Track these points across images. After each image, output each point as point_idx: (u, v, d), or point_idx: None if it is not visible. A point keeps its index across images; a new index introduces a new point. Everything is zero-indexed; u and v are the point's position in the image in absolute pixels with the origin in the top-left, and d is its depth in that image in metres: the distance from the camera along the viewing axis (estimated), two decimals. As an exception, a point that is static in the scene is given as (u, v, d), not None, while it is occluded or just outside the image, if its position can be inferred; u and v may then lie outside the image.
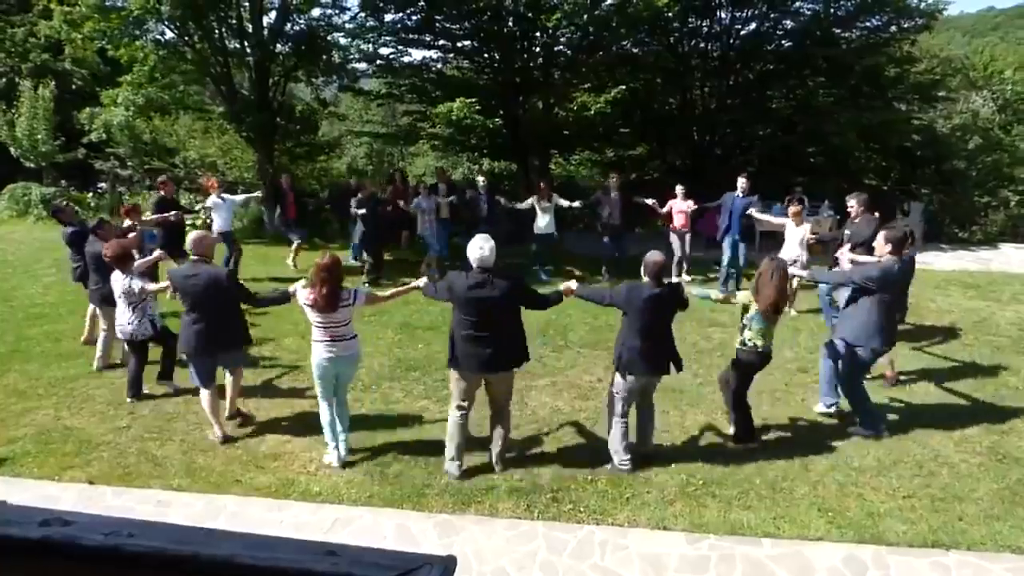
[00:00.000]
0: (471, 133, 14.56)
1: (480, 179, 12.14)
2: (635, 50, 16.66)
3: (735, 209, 10.07)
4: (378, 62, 15.87)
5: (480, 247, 4.88)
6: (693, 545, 4.42)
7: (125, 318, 6.33)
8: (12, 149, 19.18)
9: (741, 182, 10.11)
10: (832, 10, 15.76)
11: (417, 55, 17.27)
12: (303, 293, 5.22)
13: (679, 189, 11.19)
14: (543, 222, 11.45)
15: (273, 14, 14.76)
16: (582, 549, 4.39)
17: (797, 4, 16.01)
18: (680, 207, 11.08)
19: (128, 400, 6.46)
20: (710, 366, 7.43)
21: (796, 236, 8.87)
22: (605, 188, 11.68)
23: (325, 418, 5.43)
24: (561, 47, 14.90)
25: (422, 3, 13.94)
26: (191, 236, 5.97)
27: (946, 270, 12.03)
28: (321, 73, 15.82)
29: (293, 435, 5.92)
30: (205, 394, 5.80)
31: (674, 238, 11.20)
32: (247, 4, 14.11)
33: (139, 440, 5.82)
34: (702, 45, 17.16)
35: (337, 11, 15.10)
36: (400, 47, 16.01)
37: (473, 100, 12.64)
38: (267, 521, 4.70)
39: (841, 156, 16.30)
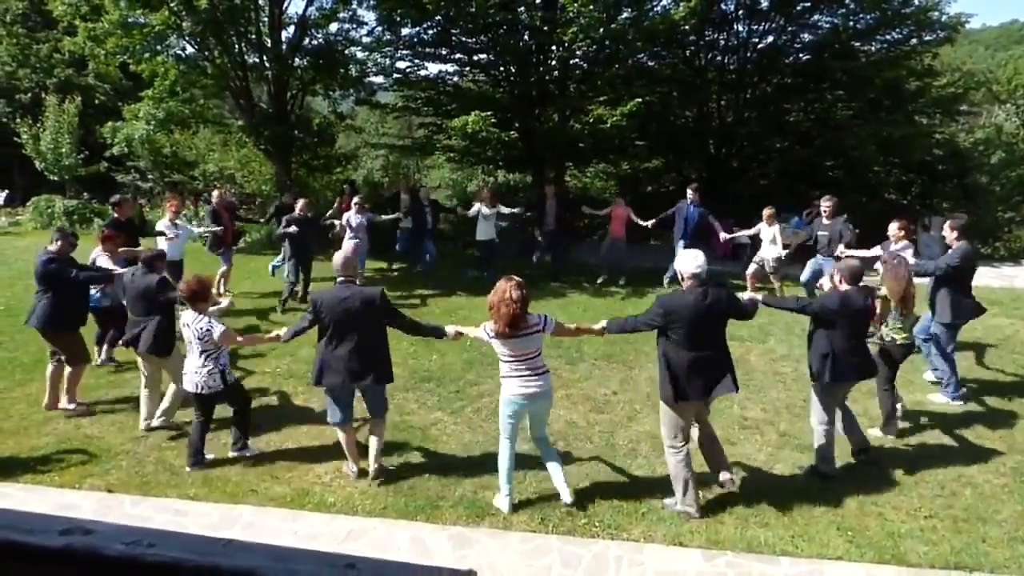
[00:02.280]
0: (487, 145, 14.62)
1: (422, 189, 12.11)
2: (651, 63, 16.71)
3: (689, 217, 10.95)
4: (395, 75, 16.02)
5: (695, 258, 4.76)
6: (710, 562, 4.36)
7: (194, 365, 5.43)
8: (37, 162, 19.53)
9: (690, 193, 11.10)
10: (851, 23, 15.70)
11: (433, 68, 17.46)
12: (488, 325, 4.73)
13: (619, 198, 11.96)
14: (484, 228, 11.44)
15: (291, 29, 14.97)
16: (597, 564, 4.35)
17: (815, 17, 15.99)
18: (619, 214, 11.59)
19: (188, 471, 5.50)
20: (727, 380, 7.37)
21: (769, 236, 10.09)
22: (541, 195, 12.15)
23: (504, 458, 4.92)
24: (577, 60, 14.95)
25: (439, 17, 14.05)
26: (338, 256, 5.36)
27: (968, 285, 11.86)
28: (338, 87, 15.98)
29: (309, 446, 5.93)
30: (342, 435, 5.37)
31: (610, 243, 11.83)
32: (266, 19, 14.32)
33: (157, 450, 5.86)
34: (719, 58, 17.17)
35: (354, 26, 15.29)
36: (417, 61, 16.17)
37: (489, 113, 12.70)
38: (282, 531, 4.71)
39: (860, 170, 16.17)
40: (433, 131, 16.94)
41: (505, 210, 11.92)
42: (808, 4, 15.49)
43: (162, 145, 19.57)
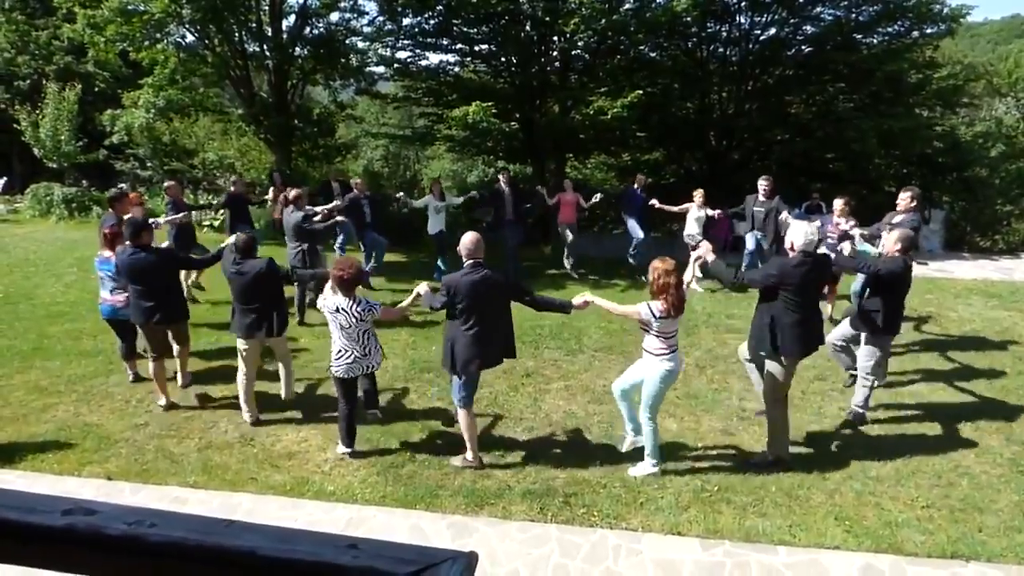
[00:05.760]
0: (487, 136, 14.54)
1: (356, 180, 11.34)
2: (653, 54, 16.62)
3: (637, 200, 11.80)
4: (395, 65, 15.93)
5: (808, 232, 5.21)
6: (708, 551, 4.39)
7: (354, 350, 5.28)
8: (36, 150, 19.45)
9: (640, 178, 12.42)
10: (853, 15, 15.63)
11: (434, 59, 17.36)
12: (653, 305, 4.89)
13: (567, 183, 12.31)
14: (436, 222, 11.29)
15: (292, 18, 14.90)
16: (595, 553, 4.37)
17: (817, 9, 15.90)
18: (567, 199, 11.93)
19: (346, 452, 5.56)
20: (725, 372, 7.39)
21: (695, 215, 10.88)
22: (497, 188, 12.03)
23: (650, 435, 5.18)
24: (578, 51, 14.88)
25: (440, 7, 13.97)
26: (467, 238, 5.18)
27: (967, 279, 11.88)
28: (339, 76, 15.91)
29: (308, 434, 5.95)
30: (464, 414, 5.33)
31: (563, 231, 12.08)
32: (266, 8, 14.25)
33: (156, 437, 5.88)
34: (721, 50, 17.07)
35: (355, 15, 15.22)
36: (417, 51, 16.05)
37: (490, 104, 12.64)
38: (281, 519, 4.73)
39: (861, 162, 16.12)
40: (433, 121, 16.85)
41: (457, 200, 12.24)
42: (810, -4, 15.43)
43: (162, 133, 19.50)
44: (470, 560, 0.62)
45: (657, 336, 4.95)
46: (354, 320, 5.20)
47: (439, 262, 11.47)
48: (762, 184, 10.26)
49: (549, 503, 4.90)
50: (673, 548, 4.43)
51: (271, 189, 11.94)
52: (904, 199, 7.63)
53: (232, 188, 11.20)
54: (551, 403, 6.64)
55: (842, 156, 16.53)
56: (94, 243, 7.85)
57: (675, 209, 11.21)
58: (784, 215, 10.00)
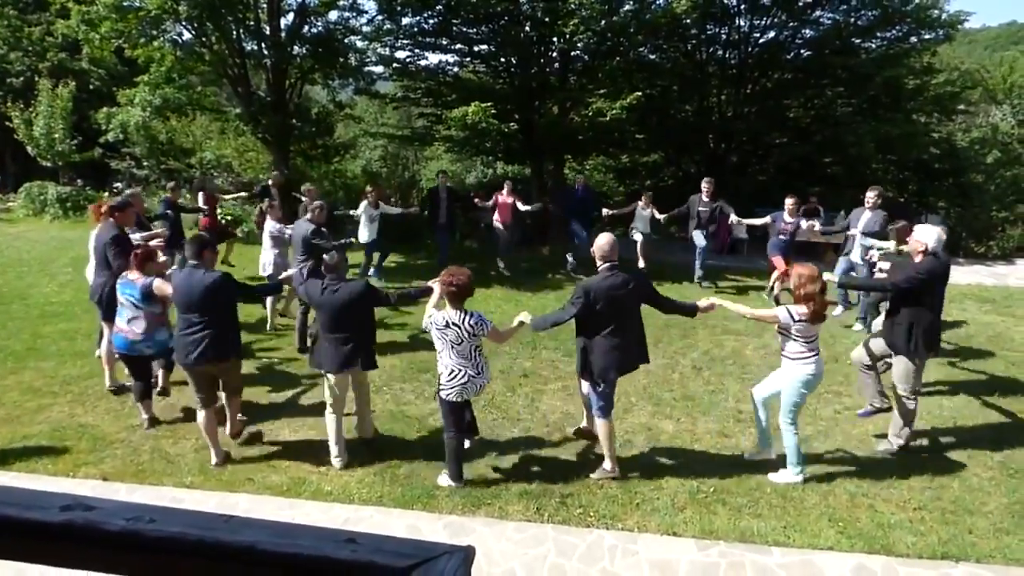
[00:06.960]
0: (486, 137, 14.55)
1: (309, 187, 10.64)
2: (652, 56, 16.65)
3: (575, 205, 12.21)
4: (394, 65, 15.91)
5: (940, 234, 5.48)
6: (703, 552, 4.40)
7: (467, 369, 4.87)
8: (29, 148, 19.34)
9: (580, 178, 13.18)
10: (852, 20, 15.70)
11: (433, 59, 17.33)
12: (794, 309, 4.87)
13: (506, 184, 12.40)
14: (368, 230, 10.74)
15: (290, 16, 14.85)
16: (591, 553, 4.38)
17: (816, 13, 15.97)
18: (504, 201, 11.91)
19: (452, 484, 5.11)
20: (722, 374, 7.41)
21: (644, 215, 11.60)
22: (434, 190, 12.19)
23: (797, 439, 5.17)
24: (578, 52, 14.89)
25: (439, 7, 13.98)
26: (602, 240, 4.99)
27: (962, 284, 11.91)
28: (337, 76, 15.86)
29: (305, 435, 5.94)
30: (604, 424, 5.15)
31: (500, 231, 12.20)
32: (264, 6, 14.20)
33: (152, 438, 5.86)
34: (720, 52, 17.12)
35: (354, 14, 15.16)
36: (417, 50, 16.04)
37: (489, 104, 12.64)
38: (279, 519, 4.71)
39: (858, 167, 16.17)
40: (432, 121, 16.84)
41: (392, 210, 11.58)
42: (810, 0, 15.48)
43: (158, 132, 19.43)
44: (467, 554, 0.63)
45: (797, 340, 4.95)
46: (466, 335, 4.78)
47: (371, 272, 10.99)
48: (704, 186, 10.91)
49: (545, 503, 4.90)
50: (669, 548, 4.44)
51: (200, 194, 11.16)
52: (871, 197, 8.26)
53: (169, 195, 10.18)
54: (548, 404, 6.64)
55: (840, 160, 16.59)
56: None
57: (624, 211, 11.81)
58: (733, 218, 10.74)
